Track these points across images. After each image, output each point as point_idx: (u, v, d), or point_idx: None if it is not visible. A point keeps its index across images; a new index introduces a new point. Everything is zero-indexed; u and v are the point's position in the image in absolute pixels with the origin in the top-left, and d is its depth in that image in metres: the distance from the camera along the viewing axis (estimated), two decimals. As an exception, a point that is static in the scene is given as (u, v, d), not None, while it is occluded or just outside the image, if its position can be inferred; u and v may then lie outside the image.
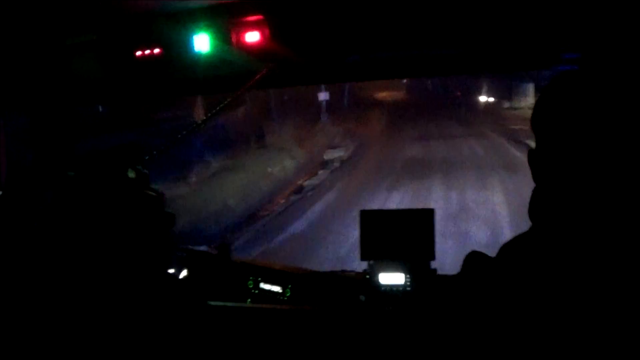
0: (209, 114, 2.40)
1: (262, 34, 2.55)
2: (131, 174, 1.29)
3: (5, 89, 2.23)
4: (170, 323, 1.35)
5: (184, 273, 2.96)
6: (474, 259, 1.06)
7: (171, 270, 2.97)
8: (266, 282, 2.89)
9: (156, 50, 2.68)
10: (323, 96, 24.16)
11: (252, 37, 2.56)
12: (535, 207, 0.97)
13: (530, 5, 2.17)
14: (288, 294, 2.83)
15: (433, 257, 2.76)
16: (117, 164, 1.31)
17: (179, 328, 1.38)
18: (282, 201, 13.94)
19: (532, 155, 0.98)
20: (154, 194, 1.31)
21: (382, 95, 32.40)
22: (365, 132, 23.23)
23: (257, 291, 2.91)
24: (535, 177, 0.98)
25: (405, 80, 32.62)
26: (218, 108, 2.45)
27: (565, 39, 2.24)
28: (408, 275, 2.74)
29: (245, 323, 2.37)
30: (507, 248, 0.99)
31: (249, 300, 2.90)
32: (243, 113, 19.11)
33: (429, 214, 2.76)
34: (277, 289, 2.86)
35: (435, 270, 2.77)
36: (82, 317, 1.22)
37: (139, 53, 2.68)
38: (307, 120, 22.55)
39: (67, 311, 1.23)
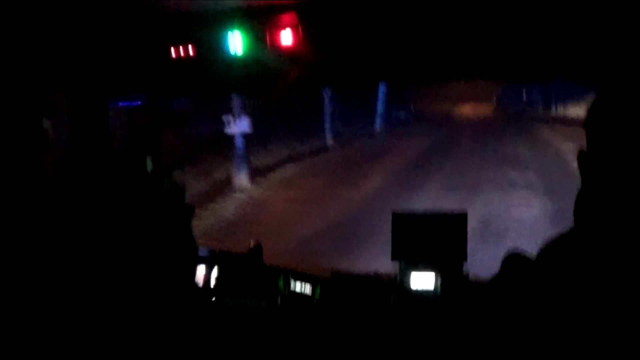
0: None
1: (296, 36, 2.55)
2: (149, 166, 1.27)
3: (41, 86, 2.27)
4: (187, 322, 1.35)
5: (215, 272, 2.99)
6: (513, 261, 1.05)
7: (202, 269, 3.00)
8: (296, 283, 2.90)
9: (191, 51, 2.70)
10: (237, 127, 11.20)
11: (286, 39, 2.56)
12: (581, 208, 0.97)
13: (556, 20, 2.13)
14: (318, 296, 2.85)
15: (465, 260, 2.75)
16: (135, 154, 1.29)
17: (195, 327, 1.37)
18: None
19: (582, 156, 0.98)
20: (172, 186, 1.30)
21: (462, 110, 22.33)
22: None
23: (287, 292, 2.92)
24: (583, 178, 0.98)
25: (500, 92, 24.79)
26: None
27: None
28: (439, 279, 2.73)
29: (274, 324, 2.39)
30: (549, 250, 0.98)
31: (279, 299, 2.92)
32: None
33: (462, 218, 2.75)
34: (307, 290, 2.88)
35: (467, 275, 2.76)
36: (97, 314, 1.22)
37: (174, 53, 2.71)
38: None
39: (82, 307, 1.22)
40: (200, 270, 3.01)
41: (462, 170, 12.22)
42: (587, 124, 0.97)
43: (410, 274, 2.76)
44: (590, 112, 0.97)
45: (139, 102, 2.92)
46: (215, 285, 2.94)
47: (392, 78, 2.79)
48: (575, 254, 0.92)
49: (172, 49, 2.69)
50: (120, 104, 2.79)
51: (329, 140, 15.74)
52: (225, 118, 11.24)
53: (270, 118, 13.26)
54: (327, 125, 15.88)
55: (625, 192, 0.88)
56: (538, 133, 16.42)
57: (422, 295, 2.74)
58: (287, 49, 2.56)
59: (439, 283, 2.74)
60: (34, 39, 2.44)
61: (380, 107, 18.61)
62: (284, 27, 2.56)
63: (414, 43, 2.44)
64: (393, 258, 2.82)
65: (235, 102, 11.25)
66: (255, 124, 11.48)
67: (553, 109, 20.17)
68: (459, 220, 2.74)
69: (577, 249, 0.93)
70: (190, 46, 2.69)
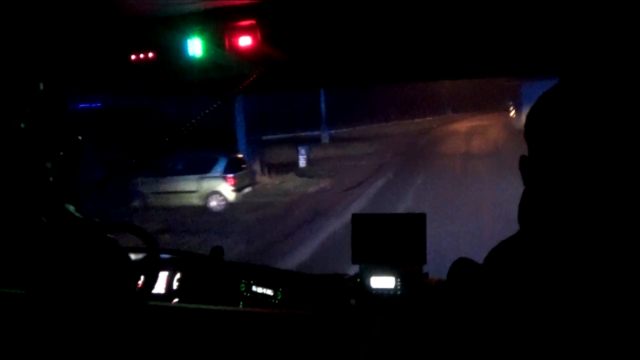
0: (199, 117, 2.41)
1: (254, 38, 2.57)
2: None
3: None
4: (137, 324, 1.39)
5: (177, 276, 2.97)
6: (460, 266, 1.05)
7: (165, 273, 2.98)
8: (258, 285, 2.89)
9: (150, 54, 2.71)
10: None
11: (245, 41, 2.58)
12: (525, 212, 0.97)
13: (531, 17, 2.16)
14: (279, 297, 2.83)
15: (424, 262, 2.75)
16: None
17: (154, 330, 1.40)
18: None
19: (523, 161, 0.99)
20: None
21: (446, 134, 15.59)
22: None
23: (249, 294, 2.91)
24: (525, 182, 0.98)
25: (519, 95, 18.94)
26: (208, 110, 2.47)
27: (561, 51, 2.23)
28: (399, 280, 2.73)
29: (236, 327, 2.36)
30: (495, 254, 0.98)
31: (241, 303, 2.91)
32: None
33: (420, 218, 2.75)
34: (269, 292, 2.86)
35: (426, 274, 2.76)
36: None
37: (133, 57, 2.72)
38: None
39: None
40: (162, 276, 2.99)
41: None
42: (526, 128, 0.98)
43: (370, 277, 2.76)
44: (528, 117, 0.99)
45: (99, 104, 2.92)
46: (177, 290, 2.93)
47: (354, 77, 2.80)
48: (519, 258, 0.93)
49: (132, 52, 2.70)
50: (80, 106, 2.78)
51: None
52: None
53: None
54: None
55: (565, 196, 0.89)
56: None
57: (382, 296, 2.73)
58: (245, 50, 2.58)
59: (399, 285, 2.74)
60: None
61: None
62: (242, 30, 2.58)
63: (372, 42, 2.47)
64: (354, 262, 2.82)
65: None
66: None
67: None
68: (418, 220, 2.75)
69: (522, 252, 0.94)
70: (150, 49, 2.71)
